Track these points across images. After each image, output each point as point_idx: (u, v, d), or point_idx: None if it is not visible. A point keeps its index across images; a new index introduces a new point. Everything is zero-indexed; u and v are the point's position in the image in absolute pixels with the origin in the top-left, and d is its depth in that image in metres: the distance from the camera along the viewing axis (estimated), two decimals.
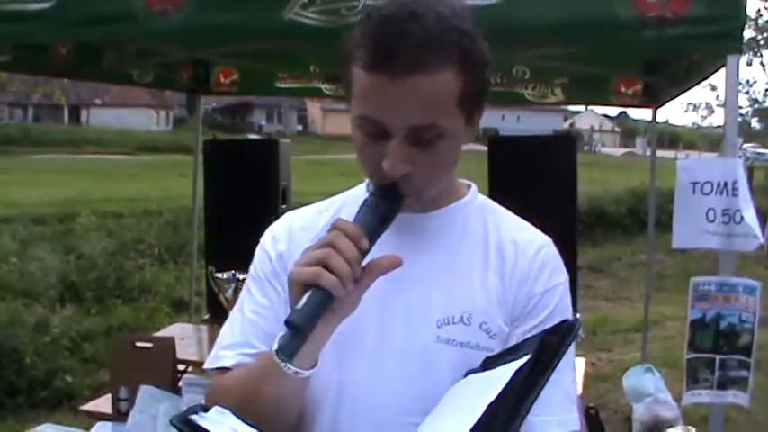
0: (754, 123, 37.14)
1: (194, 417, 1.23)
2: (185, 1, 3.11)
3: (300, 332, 1.26)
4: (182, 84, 6.42)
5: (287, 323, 1.27)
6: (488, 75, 1.45)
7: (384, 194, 1.41)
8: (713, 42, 2.89)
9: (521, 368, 1.28)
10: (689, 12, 2.81)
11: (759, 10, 26.47)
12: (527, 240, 1.56)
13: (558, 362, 1.29)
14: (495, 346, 1.47)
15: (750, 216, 2.89)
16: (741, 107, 32.46)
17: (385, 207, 1.40)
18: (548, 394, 1.34)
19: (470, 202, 1.61)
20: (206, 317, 5.61)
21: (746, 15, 2.96)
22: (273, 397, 1.38)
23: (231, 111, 58.97)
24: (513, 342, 1.47)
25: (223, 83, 6.37)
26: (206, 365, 1.60)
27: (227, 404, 1.31)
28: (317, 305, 1.27)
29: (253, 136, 27.84)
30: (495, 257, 1.53)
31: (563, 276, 1.56)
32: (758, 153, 40.32)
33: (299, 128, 63.08)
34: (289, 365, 1.32)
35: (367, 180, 1.60)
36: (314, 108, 62.54)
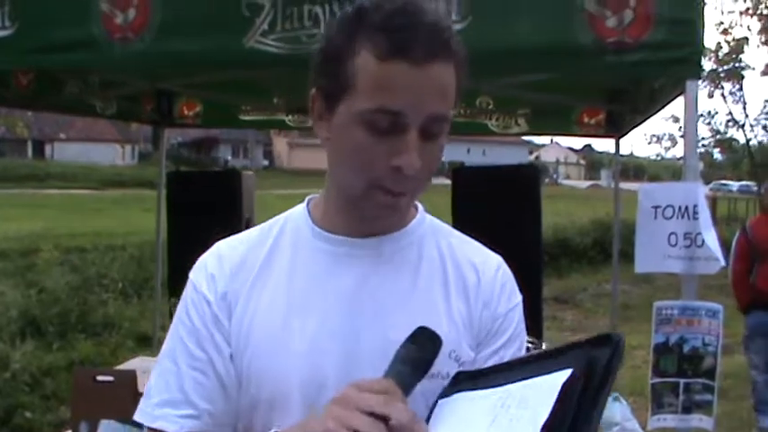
0: (717, 154, 37.60)
1: None
2: (146, 29, 3.11)
3: None
4: (145, 116, 6.39)
5: None
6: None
7: (416, 340, 1.30)
8: (672, 68, 2.93)
9: (567, 384, 1.17)
10: (648, 37, 2.84)
11: (719, 42, 26.93)
12: (484, 261, 1.53)
13: (614, 378, 1.18)
14: None
15: (711, 239, 2.91)
16: (704, 138, 32.92)
17: (419, 354, 1.29)
18: None
19: (421, 223, 1.55)
20: None
21: (704, 44, 2.99)
22: None
23: (197, 145, 58.91)
24: (478, 364, 1.42)
25: (187, 115, 6.34)
26: (138, 418, 1.47)
27: None
28: None
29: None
30: (455, 281, 1.49)
31: (519, 296, 1.54)
32: (721, 184, 40.89)
33: (266, 162, 63.03)
34: None
35: (307, 198, 1.57)
36: (280, 143, 62.59)
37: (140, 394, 4.28)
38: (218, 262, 1.52)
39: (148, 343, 8.25)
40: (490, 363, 1.43)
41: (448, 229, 1.60)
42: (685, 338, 3.04)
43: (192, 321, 1.47)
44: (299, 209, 1.57)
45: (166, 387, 1.45)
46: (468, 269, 1.50)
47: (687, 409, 3.08)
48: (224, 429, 1.46)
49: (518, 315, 1.52)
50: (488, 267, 1.52)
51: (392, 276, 1.46)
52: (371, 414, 1.14)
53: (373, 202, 1.39)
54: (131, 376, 3.98)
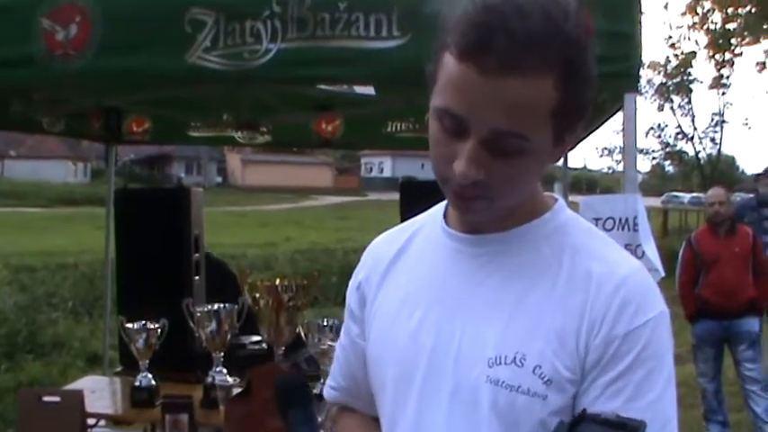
0: (668, 167, 38.13)
1: None
2: (87, 45, 3.09)
3: None
4: (93, 133, 6.33)
5: None
6: (591, 92, 1.30)
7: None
8: (611, 81, 2.96)
9: None
10: None
11: (668, 56, 27.35)
12: (605, 272, 1.34)
13: None
14: (551, 393, 1.30)
15: (651, 250, 2.95)
16: (654, 150, 33.37)
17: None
18: None
19: (548, 222, 1.42)
20: (119, 369, 5.48)
21: (642, 58, 3.04)
22: None
23: (149, 162, 58.41)
24: (593, 394, 1.30)
25: (135, 131, 6.29)
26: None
27: None
28: None
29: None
30: (563, 292, 1.34)
31: (653, 311, 1.33)
32: (673, 196, 41.42)
33: (219, 179, 62.78)
34: None
35: (446, 201, 1.48)
36: (233, 159, 62.41)
37: (88, 414, 4.24)
38: (368, 252, 1.64)
39: (99, 362, 8.16)
40: (609, 392, 1.29)
41: (585, 234, 1.44)
42: None
43: (347, 302, 1.65)
44: (439, 207, 1.54)
45: (333, 364, 1.75)
46: (581, 281, 1.34)
47: None
48: (360, 402, 1.66)
49: (646, 336, 1.30)
50: (608, 281, 1.33)
51: (494, 277, 1.39)
52: None
53: (450, 198, 1.38)
54: (78, 396, 3.94)
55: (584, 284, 1.33)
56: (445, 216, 1.50)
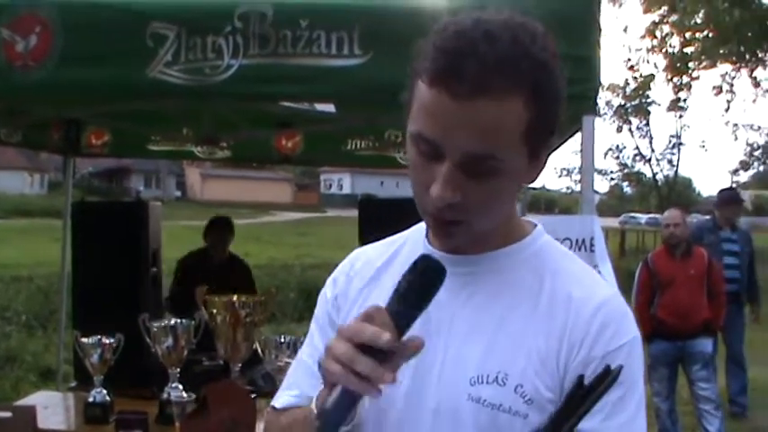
0: (626, 188, 38.54)
1: None
2: (47, 56, 3.07)
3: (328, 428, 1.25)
4: (52, 144, 6.27)
5: (318, 415, 1.27)
6: (560, 110, 1.34)
7: (423, 271, 1.28)
8: (570, 103, 2.97)
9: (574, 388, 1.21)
10: None
11: (627, 79, 27.65)
12: (584, 297, 1.38)
13: (588, 408, 1.18)
14: (532, 412, 1.33)
15: (607, 271, 2.98)
16: (612, 171, 33.73)
17: (422, 281, 1.27)
18: None
19: (528, 246, 1.45)
20: (73, 384, 5.42)
21: (600, 80, 3.08)
22: None
23: (108, 175, 57.94)
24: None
25: (95, 144, 6.24)
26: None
27: None
28: (347, 404, 1.24)
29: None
30: (544, 313, 1.37)
31: (629, 335, 1.37)
32: (630, 216, 41.84)
33: (178, 193, 62.39)
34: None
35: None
36: (193, 173, 62.06)
37: (40, 431, 4.17)
38: (345, 265, 1.63)
39: (52, 377, 8.04)
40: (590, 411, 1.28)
41: (564, 259, 1.47)
42: None
43: (317, 317, 1.62)
44: (421, 226, 1.54)
45: (289, 375, 1.64)
46: (562, 304, 1.37)
47: None
48: None
49: (622, 359, 1.32)
50: (586, 304, 1.36)
51: (476, 298, 1.41)
52: (359, 345, 1.20)
53: (429, 222, 1.42)
54: (30, 412, 3.88)
55: (565, 307, 1.37)
56: (427, 235, 1.51)
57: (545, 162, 1.39)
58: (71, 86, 3.16)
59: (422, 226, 1.53)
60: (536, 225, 1.50)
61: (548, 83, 1.28)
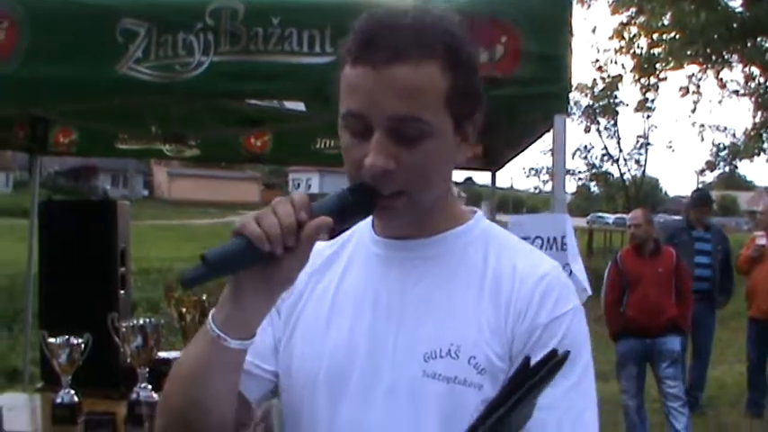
0: (594, 188, 38.73)
1: None
2: (13, 53, 3.03)
3: (206, 263, 1.25)
4: (18, 143, 6.19)
5: (201, 256, 1.27)
6: (479, 83, 1.43)
7: (354, 189, 1.38)
8: (541, 102, 3.02)
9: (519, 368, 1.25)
10: (517, 72, 2.93)
11: (595, 79, 27.77)
12: (528, 268, 1.45)
13: (533, 389, 1.21)
14: (486, 381, 1.39)
15: (579, 269, 3.00)
16: (580, 171, 33.90)
17: (351, 200, 1.37)
18: None
19: (471, 230, 1.53)
20: (39, 385, 5.36)
21: (571, 80, 3.09)
22: (197, 362, 1.38)
23: (74, 174, 57.38)
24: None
25: (62, 143, 6.17)
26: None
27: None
28: (234, 248, 1.27)
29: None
30: (490, 288, 1.44)
31: (570, 303, 1.44)
32: (598, 216, 42.08)
33: (145, 192, 61.89)
34: (213, 326, 1.34)
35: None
36: (160, 172, 61.57)
37: None
38: None
39: (18, 378, 7.96)
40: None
41: (506, 239, 1.55)
42: None
43: None
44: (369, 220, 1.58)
45: None
46: (507, 276, 1.44)
47: None
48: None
49: (565, 326, 1.41)
50: (530, 275, 1.44)
51: (425, 279, 1.47)
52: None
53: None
54: None
55: (510, 279, 1.44)
56: (373, 225, 1.56)
57: (474, 136, 1.47)
58: (38, 83, 3.12)
59: (368, 219, 1.57)
60: (476, 211, 1.58)
61: (460, 51, 1.38)
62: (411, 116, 1.34)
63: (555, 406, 1.34)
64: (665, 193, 69.21)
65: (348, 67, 1.37)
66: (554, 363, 1.21)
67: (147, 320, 3.95)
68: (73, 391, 3.97)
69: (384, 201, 1.40)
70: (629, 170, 33.26)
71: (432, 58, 1.34)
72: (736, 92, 23.08)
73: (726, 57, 20.16)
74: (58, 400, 3.97)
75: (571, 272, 2.99)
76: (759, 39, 18.46)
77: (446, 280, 1.46)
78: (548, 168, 32.82)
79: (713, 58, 20.17)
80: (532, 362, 1.27)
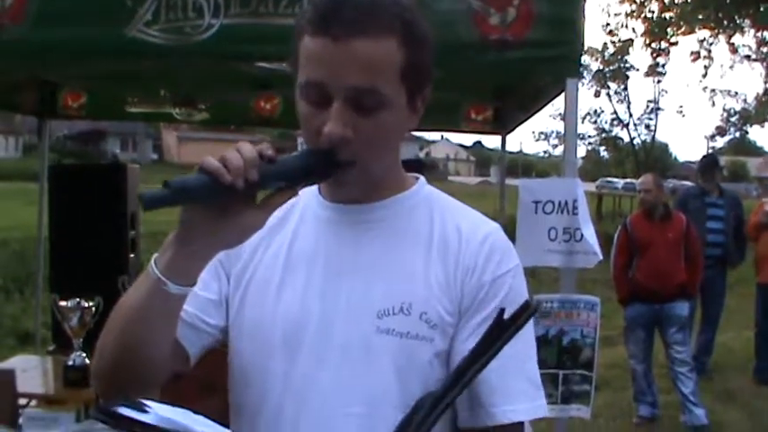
0: (603, 152, 38.63)
1: (117, 408, 1.19)
2: (23, 16, 3.02)
3: (168, 188, 1.26)
4: (27, 107, 6.19)
5: (164, 182, 1.27)
6: (431, 60, 1.49)
7: (316, 152, 1.42)
8: (552, 65, 3.00)
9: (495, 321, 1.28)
10: (529, 35, 2.90)
11: (605, 43, 27.60)
12: (472, 228, 1.53)
13: (507, 340, 1.25)
14: (437, 336, 1.46)
15: (590, 233, 2.99)
16: (590, 136, 33.79)
17: (311, 161, 1.41)
18: (512, 384, 1.47)
19: (416, 194, 1.59)
20: (51, 348, 5.39)
21: (584, 43, 3.06)
22: (135, 305, 1.38)
23: (83, 138, 57.34)
24: (465, 334, 1.47)
25: (71, 106, 6.15)
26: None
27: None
28: (196, 178, 1.28)
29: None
30: (438, 248, 1.51)
31: (513, 262, 1.54)
32: (607, 181, 42.00)
33: (155, 156, 61.82)
34: (155, 269, 1.34)
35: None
36: (169, 136, 61.53)
37: (19, 395, 4.14)
38: None
39: (31, 340, 8.02)
40: (478, 331, 1.40)
41: (449, 202, 1.61)
42: (564, 331, 3.11)
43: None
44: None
45: None
46: (453, 236, 1.52)
47: (566, 400, 3.16)
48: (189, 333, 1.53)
49: (509, 282, 1.50)
50: (474, 234, 1.52)
51: (374, 242, 1.52)
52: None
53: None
54: (9, 376, 3.86)
55: (456, 239, 1.52)
56: (320, 191, 1.60)
57: (422, 110, 1.52)
58: (48, 46, 3.11)
59: (313, 187, 1.61)
60: (419, 177, 1.64)
61: (416, 28, 1.43)
62: (369, 87, 1.39)
63: (502, 352, 1.34)
64: (675, 158, 68.84)
65: (308, 38, 1.40)
66: (528, 313, 1.26)
67: None
68: (84, 354, 3.99)
69: (340, 174, 1.44)
70: (638, 135, 33.20)
71: (390, 33, 1.39)
72: (748, 57, 22.96)
73: (738, 21, 20.00)
74: (70, 363, 3.99)
75: (582, 236, 2.99)
76: None
77: (395, 241, 1.52)
78: (557, 133, 32.78)
79: (725, 22, 20.02)
80: (481, 317, 1.45)
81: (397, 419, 1.29)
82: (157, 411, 1.21)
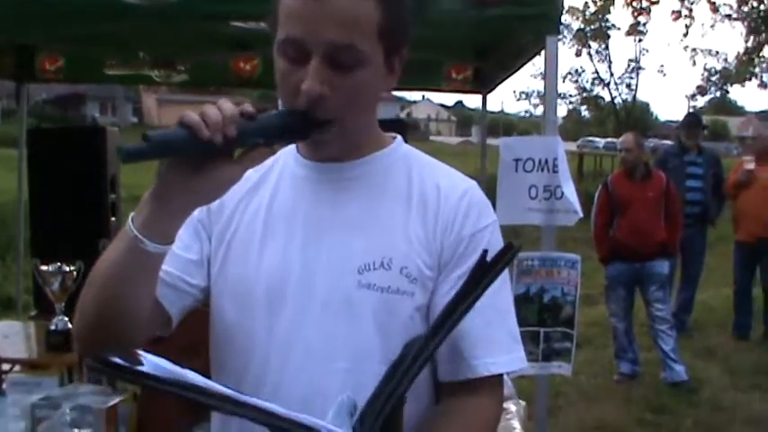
0: (584, 112, 38.63)
1: (113, 358, 1.21)
2: None
3: (147, 141, 1.25)
4: (4, 71, 6.11)
5: (143, 135, 1.26)
6: (409, 20, 1.50)
7: (294, 113, 1.43)
8: (533, 23, 2.99)
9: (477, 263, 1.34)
10: None
11: (587, 2, 27.52)
12: (450, 185, 1.57)
13: (491, 281, 1.31)
14: (417, 290, 1.49)
15: (570, 192, 3.00)
16: (571, 95, 33.77)
17: (289, 120, 1.42)
18: (493, 336, 1.51)
19: (394, 152, 1.61)
20: (33, 313, 5.38)
21: (563, 1, 3.05)
22: (114, 264, 1.38)
23: (62, 102, 56.79)
24: (446, 288, 1.49)
25: (48, 69, 6.07)
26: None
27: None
28: (175, 134, 1.28)
29: None
30: (417, 205, 1.54)
31: (490, 218, 1.57)
32: (588, 140, 42.03)
33: (134, 119, 61.32)
34: (132, 227, 1.33)
35: None
36: (149, 99, 61.09)
37: (2, 360, 4.12)
38: None
39: (12, 306, 7.99)
40: (459, 284, 1.41)
41: (426, 160, 1.64)
42: (545, 289, 3.13)
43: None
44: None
45: None
46: (432, 192, 1.55)
47: (547, 357, 3.19)
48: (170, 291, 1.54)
49: (488, 237, 1.54)
50: (453, 191, 1.55)
51: (354, 199, 1.54)
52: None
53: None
54: None
55: (435, 196, 1.54)
56: (298, 150, 1.61)
57: (399, 71, 1.53)
58: (23, 7, 3.07)
59: (291, 146, 1.63)
60: (396, 136, 1.65)
61: None
62: (348, 44, 1.40)
63: (481, 305, 1.39)
64: (656, 117, 68.93)
65: None
66: (510, 255, 1.30)
67: None
68: (66, 318, 3.99)
69: (317, 135, 1.46)
70: (619, 94, 33.13)
71: None
72: (729, 16, 22.94)
73: None
74: (53, 327, 3.98)
75: (562, 194, 3.00)
76: None
77: (375, 198, 1.54)
78: (538, 92, 32.69)
79: None
80: (461, 270, 1.47)
81: (381, 373, 1.32)
82: (152, 360, 1.22)
